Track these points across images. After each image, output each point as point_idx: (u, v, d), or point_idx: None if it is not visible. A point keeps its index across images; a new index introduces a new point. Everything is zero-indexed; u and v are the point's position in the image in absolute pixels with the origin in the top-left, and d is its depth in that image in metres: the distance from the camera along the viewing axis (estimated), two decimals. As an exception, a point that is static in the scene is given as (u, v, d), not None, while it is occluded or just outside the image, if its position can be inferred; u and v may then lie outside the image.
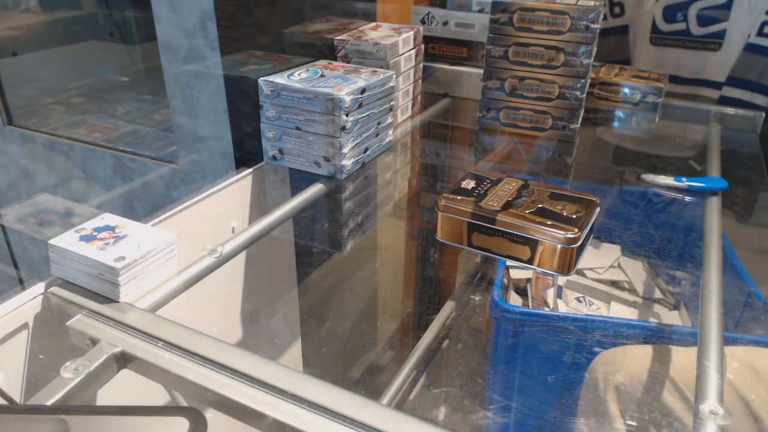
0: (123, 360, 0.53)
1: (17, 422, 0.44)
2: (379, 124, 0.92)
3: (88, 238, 0.61)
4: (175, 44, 0.91)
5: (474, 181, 0.73)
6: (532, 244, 0.64)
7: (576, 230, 0.63)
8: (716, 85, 1.21)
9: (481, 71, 1.05)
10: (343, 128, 0.83)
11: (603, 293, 1.00)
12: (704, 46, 1.20)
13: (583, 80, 0.98)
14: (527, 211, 0.66)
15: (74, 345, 0.56)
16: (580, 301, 1.00)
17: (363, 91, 0.85)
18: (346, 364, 1.36)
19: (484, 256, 0.69)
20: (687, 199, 0.90)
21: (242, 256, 0.91)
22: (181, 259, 0.65)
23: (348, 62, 1.04)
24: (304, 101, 0.83)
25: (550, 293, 0.94)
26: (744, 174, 1.03)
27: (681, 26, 1.21)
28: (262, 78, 0.86)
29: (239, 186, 0.89)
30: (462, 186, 0.72)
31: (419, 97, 1.17)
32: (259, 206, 0.93)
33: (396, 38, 1.03)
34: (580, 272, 1.02)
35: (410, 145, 1.12)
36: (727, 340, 0.57)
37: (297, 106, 0.84)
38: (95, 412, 0.50)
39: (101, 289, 0.59)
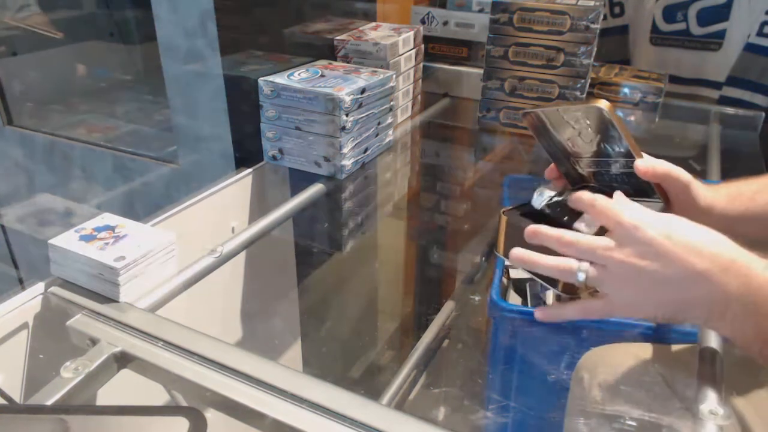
0: (123, 360, 0.53)
1: (17, 422, 0.44)
2: (379, 124, 0.92)
3: (88, 238, 0.61)
4: (175, 44, 0.91)
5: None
6: None
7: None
8: (716, 85, 1.21)
9: (481, 71, 1.05)
10: (343, 128, 0.83)
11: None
12: (704, 46, 1.20)
13: (583, 80, 0.98)
14: None
15: (74, 345, 0.56)
16: (580, 301, 1.00)
17: (363, 91, 0.85)
18: (346, 364, 1.36)
19: (483, 256, 0.68)
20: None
21: (242, 256, 0.91)
22: (181, 259, 0.65)
23: (348, 62, 1.04)
24: (304, 101, 0.83)
25: (550, 293, 0.94)
26: (744, 174, 1.03)
27: (681, 26, 1.21)
28: (262, 78, 0.86)
29: (239, 186, 0.89)
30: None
31: (419, 97, 1.17)
32: (259, 206, 0.93)
33: (396, 38, 1.03)
34: (580, 272, 1.02)
35: (410, 145, 1.12)
36: (727, 340, 0.57)
37: (297, 106, 0.84)
38: (95, 412, 0.50)
39: (101, 289, 0.59)
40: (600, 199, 0.54)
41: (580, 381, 0.71)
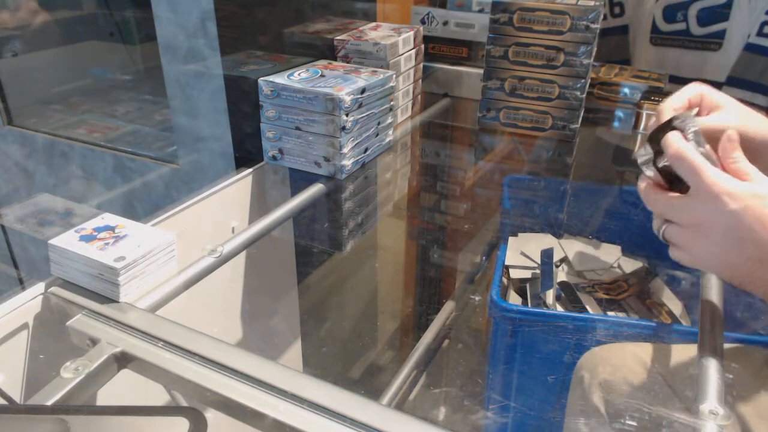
0: (123, 360, 0.53)
1: (17, 422, 0.44)
2: (379, 124, 0.92)
3: (88, 238, 0.61)
4: (175, 44, 0.91)
5: None
6: None
7: None
8: (716, 85, 1.20)
9: (481, 71, 1.05)
10: (343, 128, 0.83)
11: (603, 293, 1.00)
12: (704, 46, 1.20)
13: (583, 80, 0.98)
14: None
15: (74, 345, 0.56)
16: (580, 301, 1.00)
17: (363, 91, 0.85)
18: (346, 364, 1.36)
19: (483, 256, 0.68)
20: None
21: (242, 256, 0.91)
22: (181, 259, 0.65)
23: (348, 62, 1.04)
24: (304, 101, 0.83)
25: (550, 293, 0.94)
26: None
27: (681, 26, 1.21)
28: (262, 78, 0.86)
29: (239, 186, 0.89)
30: None
31: (419, 97, 1.17)
32: (259, 206, 0.93)
33: (396, 38, 1.03)
34: (580, 273, 1.02)
35: (410, 145, 1.12)
36: (727, 340, 0.58)
37: (297, 106, 0.84)
38: (95, 412, 0.50)
39: (101, 289, 0.59)
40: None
41: (580, 381, 0.72)
